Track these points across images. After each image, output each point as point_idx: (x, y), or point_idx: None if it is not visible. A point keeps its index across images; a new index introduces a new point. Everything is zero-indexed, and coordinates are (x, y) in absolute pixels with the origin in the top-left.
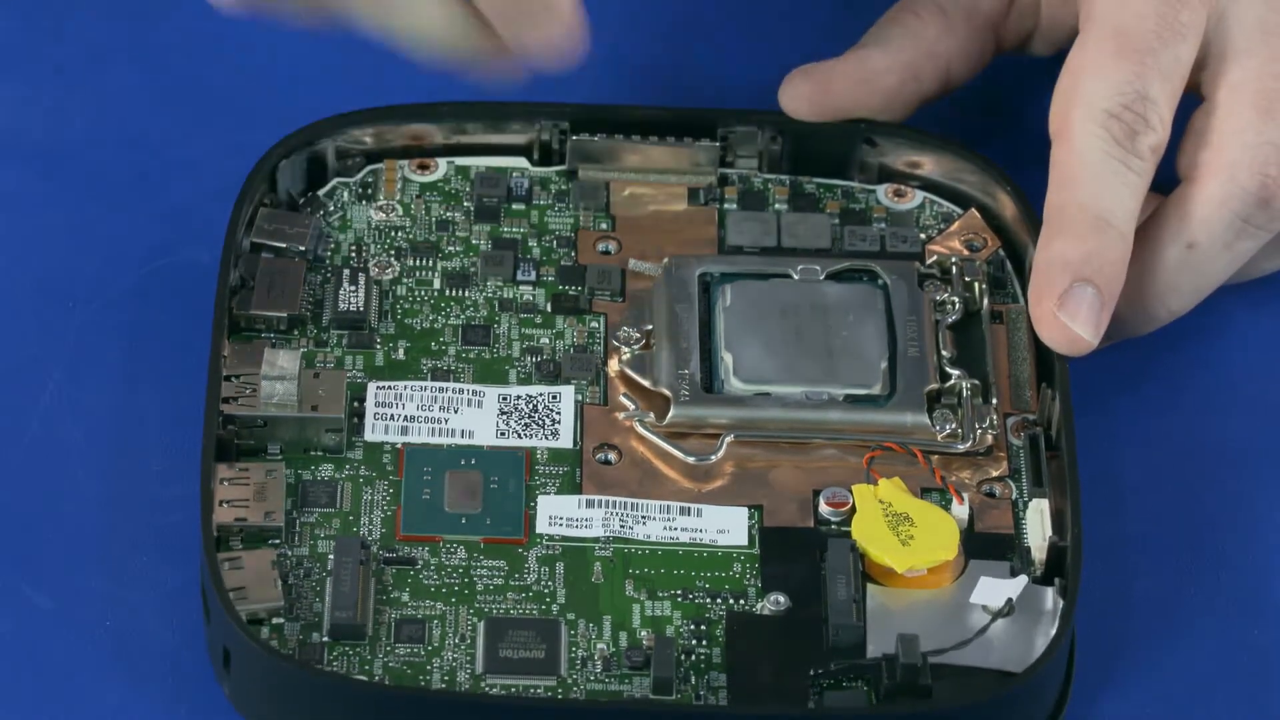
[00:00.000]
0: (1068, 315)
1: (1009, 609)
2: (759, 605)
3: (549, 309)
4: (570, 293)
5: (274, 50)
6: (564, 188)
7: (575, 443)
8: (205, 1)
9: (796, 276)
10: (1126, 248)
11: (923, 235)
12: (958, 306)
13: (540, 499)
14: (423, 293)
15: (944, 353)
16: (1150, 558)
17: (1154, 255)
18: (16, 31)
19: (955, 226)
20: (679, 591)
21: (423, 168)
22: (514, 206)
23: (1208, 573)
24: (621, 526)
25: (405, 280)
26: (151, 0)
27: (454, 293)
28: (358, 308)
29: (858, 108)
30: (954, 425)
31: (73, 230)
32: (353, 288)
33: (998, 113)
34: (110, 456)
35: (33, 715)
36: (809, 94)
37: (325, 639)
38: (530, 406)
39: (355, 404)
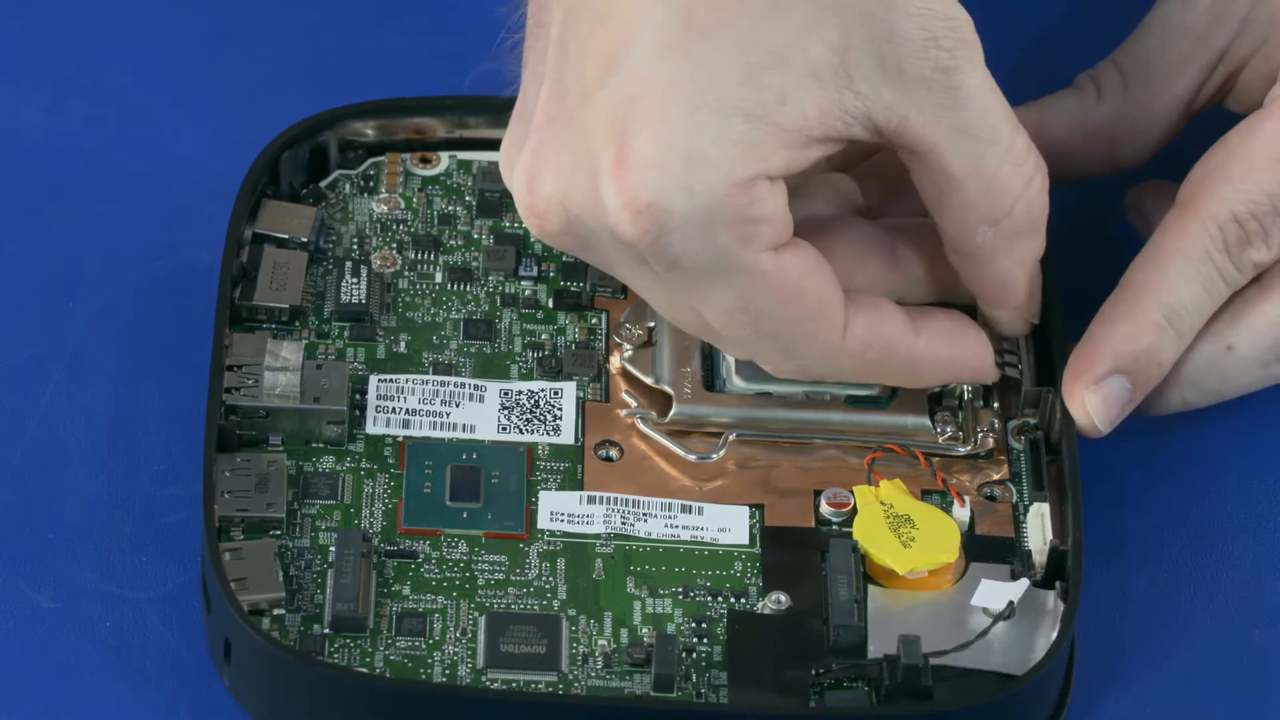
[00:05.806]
0: (1093, 405)
1: (1010, 612)
2: (760, 604)
3: (551, 305)
4: (572, 289)
5: (275, 49)
6: None
7: (577, 439)
8: (204, 1)
9: None
10: (1179, 351)
11: None
12: None
13: (541, 494)
14: (424, 286)
15: None
16: (1150, 558)
17: (1190, 346)
18: (16, 31)
19: None
20: (680, 589)
21: (425, 161)
22: None
23: (1208, 573)
24: (623, 523)
25: (407, 274)
26: (151, 0)
27: (456, 287)
28: (360, 300)
29: None
30: (955, 428)
31: (73, 230)
32: (355, 280)
33: None
34: (110, 456)
35: (33, 715)
36: None
37: (326, 631)
38: (532, 402)
39: (357, 396)
